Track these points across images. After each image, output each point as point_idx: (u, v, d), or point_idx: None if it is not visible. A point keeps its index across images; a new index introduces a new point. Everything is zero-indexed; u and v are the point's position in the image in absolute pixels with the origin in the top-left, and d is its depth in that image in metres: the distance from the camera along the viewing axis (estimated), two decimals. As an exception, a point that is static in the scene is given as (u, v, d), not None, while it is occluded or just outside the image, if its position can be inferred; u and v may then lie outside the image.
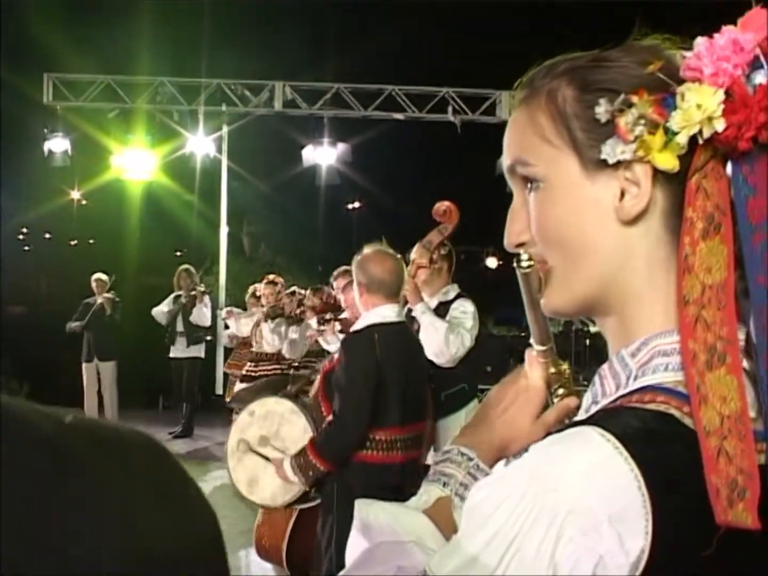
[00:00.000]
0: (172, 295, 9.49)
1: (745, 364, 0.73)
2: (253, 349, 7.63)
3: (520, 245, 0.84)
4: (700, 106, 0.71)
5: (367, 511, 0.89)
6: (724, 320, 0.72)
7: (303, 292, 7.67)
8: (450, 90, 10.25)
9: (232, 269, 12.91)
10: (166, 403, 11.47)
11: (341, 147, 10.71)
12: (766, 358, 0.72)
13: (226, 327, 9.12)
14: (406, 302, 3.89)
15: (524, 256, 0.83)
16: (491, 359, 11.06)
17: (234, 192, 13.31)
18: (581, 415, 0.82)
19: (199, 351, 9.61)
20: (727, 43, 0.72)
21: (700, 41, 0.74)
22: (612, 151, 0.75)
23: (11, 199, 14.66)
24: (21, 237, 21.70)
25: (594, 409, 0.79)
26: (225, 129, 11.38)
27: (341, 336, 5.02)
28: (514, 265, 0.84)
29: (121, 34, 13.82)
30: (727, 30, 0.73)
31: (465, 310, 4.12)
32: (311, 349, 7.45)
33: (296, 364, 7.46)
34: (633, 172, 0.76)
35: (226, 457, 3.50)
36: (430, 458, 3.73)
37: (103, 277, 9.64)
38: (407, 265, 3.64)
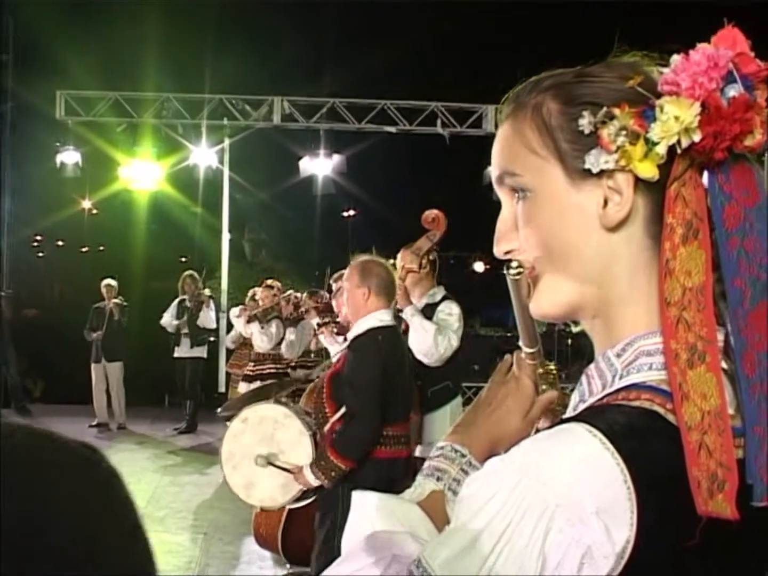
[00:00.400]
0: (177, 300, 9.47)
1: (724, 364, 0.73)
2: (254, 350, 7.62)
3: (509, 252, 0.83)
4: (678, 118, 0.71)
5: (363, 501, 0.88)
6: (703, 321, 0.72)
7: (299, 295, 7.67)
8: (439, 104, 10.25)
9: (234, 274, 12.90)
10: (172, 400, 11.45)
11: (336, 158, 10.71)
12: (743, 357, 0.72)
13: (229, 330, 9.09)
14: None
15: (513, 263, 0.82)
16: (478, 358, 11.06)
17: (235, 201, 13.33)
18: (569, 413, 0.81)
19: (202, 351, 9.60)
20: (702, 59, 0.73)
21: (677, 58, 0.74)
22: (595, 160, 0.75)
23: (25, 208, 14.61)
24: (35, 244, 21.60)
25: (582, 407, 0.78)
26: (227, 141, 11.39)
27: (339, 338, 5.01)
28: (504, 271, 0.83)
29: (128, 54, 13.88)
30: (702, 47, 0.74)
31: (451, 312, 4.08)
32: (308, 349, 7.45)
33: (294, 364, 7.46)
34: (615, 181, 0.76)
35: (221, 464, 3.35)
36: (418, 451, 3.73)
37: (113, 282, 9.67)
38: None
